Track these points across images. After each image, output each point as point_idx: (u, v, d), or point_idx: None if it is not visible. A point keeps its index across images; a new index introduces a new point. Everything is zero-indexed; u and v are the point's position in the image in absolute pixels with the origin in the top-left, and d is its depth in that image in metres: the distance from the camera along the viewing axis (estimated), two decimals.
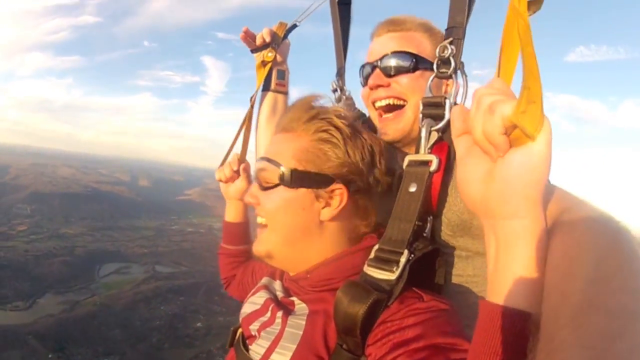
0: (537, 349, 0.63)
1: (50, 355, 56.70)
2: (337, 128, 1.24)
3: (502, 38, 0.82)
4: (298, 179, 1.22)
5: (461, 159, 0.85)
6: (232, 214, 1.95)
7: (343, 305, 1.01)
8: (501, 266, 0.76)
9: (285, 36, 2.03)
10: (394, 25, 1.48)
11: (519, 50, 0.76)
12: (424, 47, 1.42)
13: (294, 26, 2.05)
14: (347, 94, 1.81)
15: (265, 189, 1.27)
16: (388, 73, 1.43)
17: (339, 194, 1.24)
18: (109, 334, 63.76)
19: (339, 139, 1.23)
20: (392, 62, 1.42)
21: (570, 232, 0.72)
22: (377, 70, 1.46)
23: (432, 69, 1.34)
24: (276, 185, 1.24)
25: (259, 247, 1.30)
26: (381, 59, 1.45)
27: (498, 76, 0.83)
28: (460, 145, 0.86)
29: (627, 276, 0.61)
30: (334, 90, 1.83)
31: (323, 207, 1.24)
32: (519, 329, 0.70)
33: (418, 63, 1.40)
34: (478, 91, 0.79)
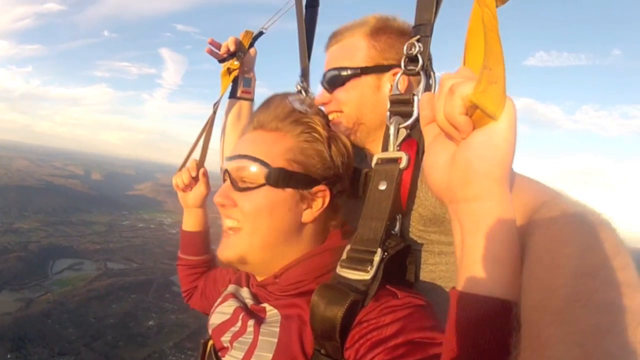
0: (521, 346, 0.61)
1: (9, 356, 58.10)
2: (321, 130, 1.24)
3: (468, 29, 0.83)
4: (286, 178, 1.19)
5: (429, 147, 0.84)
6: (191, 222, 1.87)
7: (320, 309, 0.99)
8: (468, 251, 0.74)
9: (252, 44, 2.05)
10: (333, 38, 1.51)
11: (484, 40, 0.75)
12: (358, 53, 1.42)
13: (260, 34, 2.06)
14: (311, 95, 1.72)
15: (244, 189, 1.20)
16: (329, 90, 1.48)
17: (322, 196, 1.23)
18: (63, 332, 65.59)
19: (324, 142, 1.23)
20: (328, 80, 1.47)
21: (551, 225, 0.71)
22: (321, 88, 1.51)
23: (367, 72, 1.39)
24: (260, 186, 1.19)
25: (229, 252, 1.23)
26: (323, 76, 1.50)
27: (464, 65, 0.83)
28: (428, 133, 0.85)
29: (613, 270, 0.60)
30: (299, 92, 1.78)
31: (305, 209, 1.23)
32: (492, 316, 0.68)
33: (349, 75, 1.41)
34: (442, 76, 0.79)
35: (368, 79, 1.40)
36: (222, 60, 2.00)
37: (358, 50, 1.42)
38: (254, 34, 2.04)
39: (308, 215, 1.23)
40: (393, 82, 1.34)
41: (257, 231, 1.20)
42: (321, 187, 1.23)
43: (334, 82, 1.45)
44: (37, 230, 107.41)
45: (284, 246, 1.23)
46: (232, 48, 1.93)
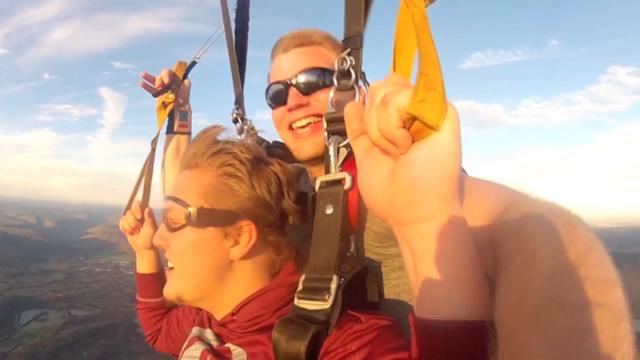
0: (499, 351, 0.58)
1: None
2: (241, 161, 1.20)
3: (395, 32, 0.78)
4: (204, 217, 1.16)
5: (360, 163, 0.78)
6: (144, 264, 1.83)
7: (282, 345, 0.95)
8: (422, 276, 0.67)
9: (185, 75, 1.99)
10: (301, 39, 1.44)
11: (415, 43, 0.68)
12: (332, 61, 1.30)
13: (193, 63, 2.00)
14: (248, 123, 1.70)
15: (172, 230, 1.20)
16: (305, 91, 1.38)
17: (248, 231, 1.19)
18: None
19: (243, 173, 1.19)
20: (308, 79, 1.38)
21: (521, 228, 0.67)
22: (293, 89, 1.41)
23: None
24: (183, 226, 1.18)
25: (169, 290, 1.24)
26: (295, 76, 1.40)
27: (394, 71, 0.78)
28: (358, 148, 0.79)
29: (589, 267, 0.58)
30: (235, 121, 1.73)
31: (232, 246, 1.20)
32: (460, 340, 0.62)
33: (330, 77, 1.28)
34: (372, 85, 0.71)
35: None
36: (156, 94, 1.95)
37: (332, 59, 1.34)
38: (187, 65, 2.00)
39: (236, 253, 1.20)
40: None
41: (185, 271, 1.20)
42: (244, 221, 1.19)
43: (314, 82, 1.39)
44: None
45: (216, 284, 1.21)
46: (166, 80, 1.89)
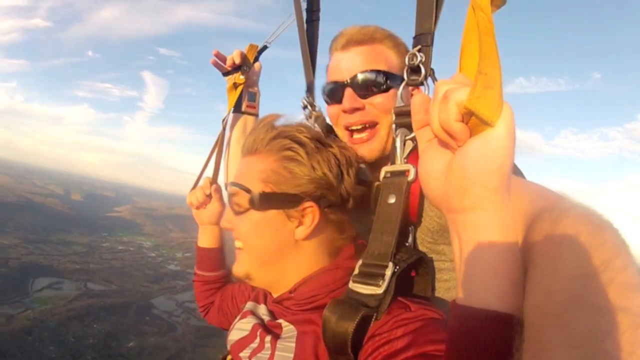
0: (523, 348, 0.61)
1: None
2: (300, 144, 1.23)
3: (463, 34, 0.81)
4: (266, 201, 1.21)
5: (423, 153, 0.82)
6: (206, 239, 1.90)
7: (331, 324, 0.99)
8: (465, 262, 0.72)
9: (257, 59, 2.03)
10: (361, 36, 1.43)
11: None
12: (392, 61, 1.39)
13: (265, 48, 2.04)
14: (317, 109, 1.73)
15: (238, 213, 1.27)
16: (361, 93, 1.39)
17: (311, 212, 1.23)
18: (44, 350, 64.84)
19: (302, 156, 1.22)
20: (365, 82, 1.38)
21: (551, 230, 0.69)
22: (350, 91, 1.41)
23: (400, 84, 1.30)
24: (247, 210, 1.24)
25: (238, 269, 1.31)
26: (352, 78, 1.41)
27: (460, 71, 0.81)
28: (421, 138, 0.83)
29: (613, 271, 0.59)
30: (304, 107, 1.76)
31: (297, 227, 1.24)
32: (486, 329, 0.67)
33: (389, 80, 1.37)
34: (437, 83, 0.77)
35: (397, 91, 1.31)
36: (226, 74, 2.01)
37: (392, 60, 1.41)
38: (258, 48, 2.04)
39: (301, 233, 1.24)
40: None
41: (252, 251, 1.28)
42: (307, 203, 1.23)
43: (373, 85, 1.39)
44: (17, 247, 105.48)
45: (281, 264, 1.27)
46: (237, 61, 1.93)
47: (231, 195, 1.29)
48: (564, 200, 0.79)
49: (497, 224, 0.69)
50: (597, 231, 0.65)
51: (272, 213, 1.23)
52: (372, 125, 1.41)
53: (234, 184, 1.28)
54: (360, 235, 1.34)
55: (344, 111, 1.43)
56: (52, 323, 72.45)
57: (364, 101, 1.40)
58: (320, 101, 1.69)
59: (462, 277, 0.73)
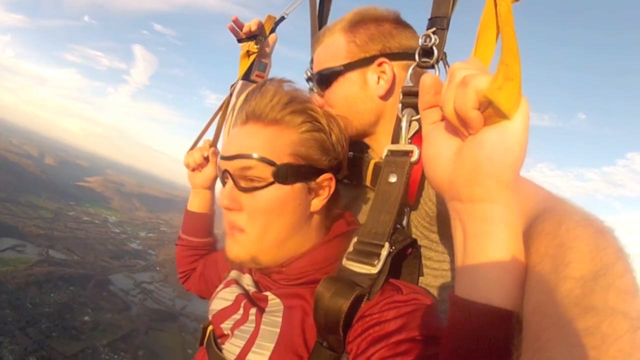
0: (523, 347, 0.61)
1: None
2: (322, 118, 1.21)
3: (481, 20, 0.80)
4: (293, 174, 1.15)
5: (428, 134, 0.81)
6: (197, 203, 1.81)
7: (325, 300, 0.96)
8: (470, 255, 0.72)
9: (273, 30, 2.02)
10: (317, 40, 1.48)
11: (497, 34, 0.74)
12: (339, 51, 1.38)
13: (282, 19, 2.02)
14: None
15: (250, 189, 1.14)
16: (320, 93, 1.44)
17: (328, 184, 1.21)
18: (0, 312, 65.80)
19: (326, 130, 1.20)
20: (316, 82, 1.45)
21: (554, 230, 0.69)
22: (317, 88, 1.47)
23: (349, 69, 1.34)
24: (269, 184, 1.13)
25: (240, 252, 1.18)
26: (312, 78, 1.47)
27: (474, 56, 0.80)
28: (427, 119, 0.81)
29: (613, 276, 0.59)
30: (308, 79, 1.71)
31: (313, 199, 1.21)
32: (487, 325, 0.67)
33: (331, 75, 1.38)
34: (453, 65, 0.75)
35: (352, 76, 1.35)
36: (240, 40, 2.00)
37: (338, 48, 1.39)
38: (276, 19, 2.02)
39: (316, 205, 1.21)
40: (380, 74, 1.33)
41: (268, 231, 1.16)
42: (327, 175, 1.20)
43: (321, 84, 1.43)
44: None
45: (295, 239, 1.20)
46: (253, 29, 1.91)
47: (241, 169, 1.15)
48: (566, 203, 0.78)
49: (506, 219, 0.69)
50: (599, 236, 0.65)
51: (297, 186, 1.15)
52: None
53: (248, 156, 1.13)
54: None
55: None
56: (11, 286, 73.33)
57: (322, 99, 1.43)
58: None
59: (465, 269, 0.73)
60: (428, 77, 0.82)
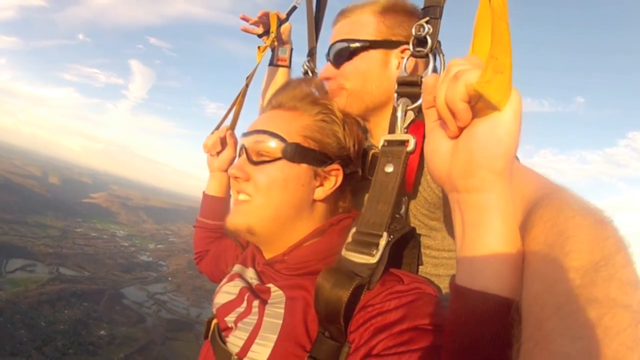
0: (523, 336, 0.61)
1: None
2: (337, 112, 1.27)
3: (477, 15, 0.82)
4: (301, 154, 1.20)
5: (430, 131, 0.84)
6: (215, 187, 1.87)
7: (325, 291, 0.97)
8: (468, 244, 0.74)
9: (286, 19, 2.12)
10: (343, 14, 1.48)
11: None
12: (367, 28, 1.39)
13: (294, 8, 2.10)
14: (317, 76, 1.67)
15: (259, 162, 1.21)
16: (335, 63, 1.43)
17: (335, 175, 1.24)
18: (15, 333, 64.86)
19: (339, 124, 1.25)
20: (335, 52, 1.42)
21: (553, 219, 0.68)
22: (327, 63, 1.47)
23: (375, 46, 1.36)
24: (277, 159, 1.20)
25: (239, 219, 1.22)
26: (328, 50, 1.46)
27: (472, 52, 0.82)
28: (430, 117, 0.84)
29: (615, 267, 0.59)
30: (305, 73, 1.77)
31: (318, 186, 1.24)
32: (485, 312, 0.68)
33: (357, 48, 1.38)
34: (451, 62, 0.78)
35: (376, 53, 1.37)
36: (260, 35, 2.16)
37: (367, 25, 1.40)
38: (288, 10, 2.14)
39: (320, 193, 1.24)
40: (401, 60, 1.34)
41: (269, 203, 1.20)
42: (335, 165, 1.24)
43: (340, 54, 1.42)
44: None
45: (293, 221, 1.23)
46: (260, 19, 2.10)
47: (256, 143, 1.23)
48: (566, 191, 0.78)
49: (500, 208, 0.72)
50: (599, 226, 0.65)
51: (303, 167, 1.21)
52: (339, 90, 1.44)
53: (264, 132, 1.23)
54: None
55: (321, 79, 1.49)
56: (24, 306, 72.40)
57: (335, 71, 1.43)
58: (321, 67, 1.65)
59: (464, 258, 0.75)
60: (430, 78, 0.84)
